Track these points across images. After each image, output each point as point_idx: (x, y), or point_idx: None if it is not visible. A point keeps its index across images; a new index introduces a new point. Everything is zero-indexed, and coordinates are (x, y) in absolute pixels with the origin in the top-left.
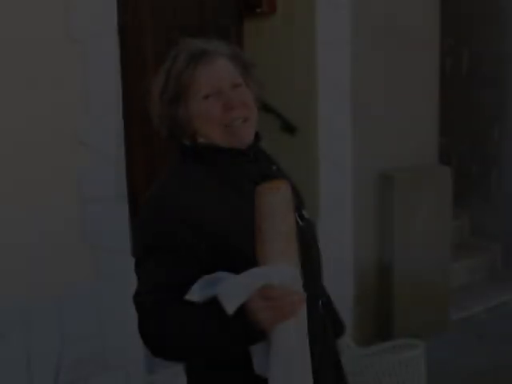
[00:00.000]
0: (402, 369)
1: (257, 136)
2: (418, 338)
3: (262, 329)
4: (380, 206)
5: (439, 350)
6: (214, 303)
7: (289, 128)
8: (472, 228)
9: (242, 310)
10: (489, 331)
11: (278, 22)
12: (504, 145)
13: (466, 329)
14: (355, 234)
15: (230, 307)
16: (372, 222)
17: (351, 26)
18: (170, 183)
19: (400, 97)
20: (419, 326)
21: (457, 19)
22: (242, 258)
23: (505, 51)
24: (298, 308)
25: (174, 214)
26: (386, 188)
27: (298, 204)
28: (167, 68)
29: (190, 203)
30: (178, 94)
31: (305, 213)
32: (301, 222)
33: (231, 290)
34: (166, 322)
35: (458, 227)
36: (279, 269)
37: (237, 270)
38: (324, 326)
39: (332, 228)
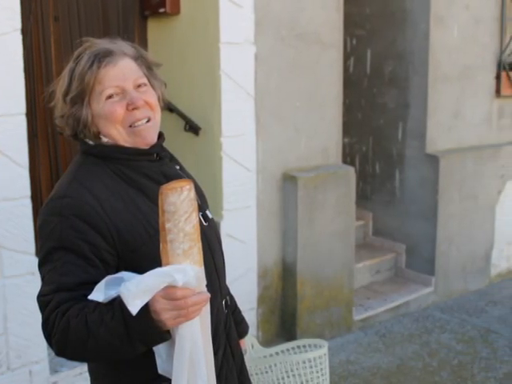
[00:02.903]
0: (307, 368)
1: (160, 136)
2: (322, 337)
3: (166, 329)
4: (284, 206)
5: (343, 350)
6: (117, 303)
7: (192, 128)
8: (375, 228)
9: (146, 310)
10: (392, 331)
11: (181, 22)
12: (407, 145)
13: (370, 329)
14: (259, 234)
15: (134, 307)
16: (276, 222)
17: (255, 27)
18: (72, 183)
19: (304, 97)
20: (323, 325)
21: (358, 19)
22: (146, 258)
23: (406, 51)
24: (201, 308)
25: (77, 215)
26: (290, 188)
27: (202, 204)
28: (71, 68)
29: (92, 203)
30: (81, 94)
31: (208, 213)
32: (204, 222)
33: (134, 289)
34: (69, 321)
35: (361, 227)
36: (183, 268)
37: (141, 269)
38: (227, 325)
39: (236, 228)
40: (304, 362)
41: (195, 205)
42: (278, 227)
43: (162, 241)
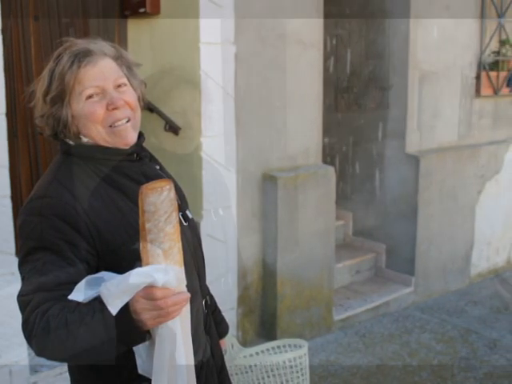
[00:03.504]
0: (286, 368)
1: (140, 136)
2: (302, 337)
3: (146, 329)
4: (264, 206)
5: (323, 350)
6: (97, 303)
7: (172, 128)
8: (355, 228)
9: (126, 310)
10: (371, 331)
11: (161, 22)
12: (387, 145)
13: (349, 329)
14: (239, 234)
15: (114, 307)
16: (256, 222)
17: (235, 27)
18: (52, 183)
19: (284, 97)
20: (303, 326)
21: (338, 19)
22: (126, 258)
23: (386, 51)
24: (181, 308)
25: (57, 215)
26: (270, 188)
27: (182, 204)
28: (51, 68)
29: (73, 203)
30: (61, 94)
31: (188, 213)
32: (184, 222)
33: (115, 289)
34: (49, 321)
35: (341, 227)
36: (163, 268)
37: (121, 269)
38: (207, 325)
39: (216, 228)
40: (284, 362)
41: (175, 205)
42: (258, 227)
43: (142, 241)
